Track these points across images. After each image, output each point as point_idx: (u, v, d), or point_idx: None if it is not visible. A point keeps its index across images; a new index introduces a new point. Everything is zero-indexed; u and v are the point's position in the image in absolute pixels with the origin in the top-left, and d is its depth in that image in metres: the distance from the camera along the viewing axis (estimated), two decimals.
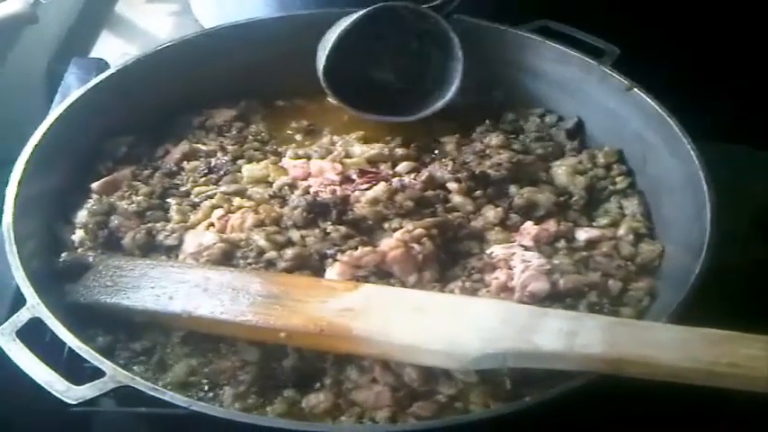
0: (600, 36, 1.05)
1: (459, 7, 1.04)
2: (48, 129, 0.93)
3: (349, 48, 1.03)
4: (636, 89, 0.99)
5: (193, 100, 1.08)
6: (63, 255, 0.88)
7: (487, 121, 1.08)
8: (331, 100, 1.05)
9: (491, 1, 1.05)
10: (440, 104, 1.05)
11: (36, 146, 0.91)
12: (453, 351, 0.70)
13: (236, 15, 1.13)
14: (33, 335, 0.76)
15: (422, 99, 1.07)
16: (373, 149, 1.02)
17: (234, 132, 1.06)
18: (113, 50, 1.31)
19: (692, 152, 0.91)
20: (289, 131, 1.09)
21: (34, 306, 0.76)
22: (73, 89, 1.07)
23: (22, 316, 0.75)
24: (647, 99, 0.98)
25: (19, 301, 0.79)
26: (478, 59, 1.10)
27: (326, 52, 1.01)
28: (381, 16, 1.03)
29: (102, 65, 1.14)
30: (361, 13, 1.01)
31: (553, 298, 0.85)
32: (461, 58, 1.04)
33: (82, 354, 0.73)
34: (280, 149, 1.04)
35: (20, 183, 0.87)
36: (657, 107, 0.96)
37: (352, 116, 1.08)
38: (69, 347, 0.74)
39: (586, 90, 1.04)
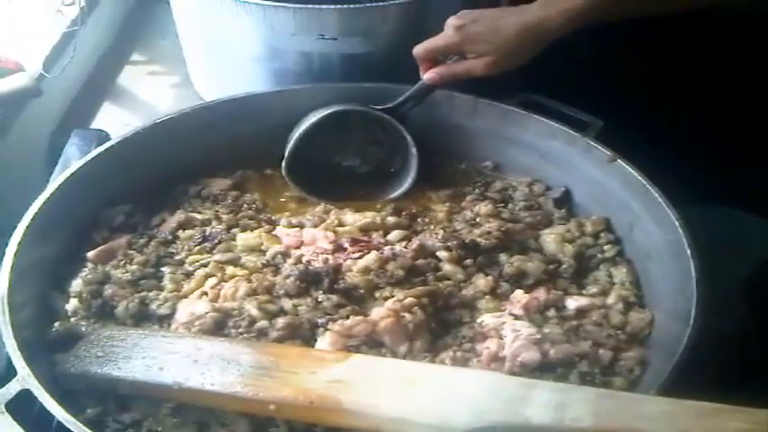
0: (583, 109, 1.07)
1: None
2: (46, 199, 0.93)
3: (315, 139, 1.08)
4: (619, 160, 1.00)
5: (190, 170, 1.09)
6: (56, 324, 0.87)
7: (477, 190, 1.09)
8: (302, 193, 1.09)
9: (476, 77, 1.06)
10: (397, 193, 1.09)
11: (34, 216, 0.91)
12: (443, 424, 0.68)
13: (233, 88, 1.14)
14: (23, 405, 0.74)
15: (387, 182, 1.11)
16: (365, 218, 1.02)
17: (229, 201, 1.06)
18: (115, 121, 1.32)
19: (675, 221, 0.91)
20: (282, 200, 1.09)
21: (24, 378, 0.74)
22: (73, 160, 1.07)
23: (12, 388, 0.73)
24: (630, 169, 0.98)
25: (10, 369, 0.77)
26: (467, 131, 1.12)
27: (287, 152, 1.07)
28: (341, 116, 1.08)
29: (102, 136, 1.15)
30: (318, 116, 1.07)
31: (544, 368, 0.83)
32: (416, 155, 1.08)
33: (70, 427, 0.71)
34: (274, 218, 1.04)
35: (16, 253, 0.86)
36: (640, 177, 0.97)
37: None
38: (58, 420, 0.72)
39: (572, 161, 1.05)
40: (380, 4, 1.10)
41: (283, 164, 1.07)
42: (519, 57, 1.00)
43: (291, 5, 1.09)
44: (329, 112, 1.07)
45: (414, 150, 1.08)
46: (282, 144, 1.10)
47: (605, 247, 1.00)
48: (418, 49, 1.05)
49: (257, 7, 1.10)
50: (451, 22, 1.02)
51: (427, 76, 1.05)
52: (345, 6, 1.09)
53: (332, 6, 1.09)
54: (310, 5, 1.09)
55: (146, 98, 1.40)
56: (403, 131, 1.08)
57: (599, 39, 1.01)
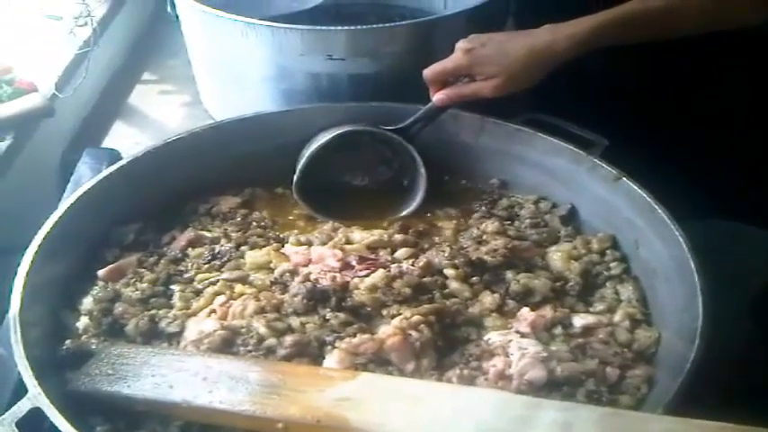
0: (588, 127, 1.07)
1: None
2: (58, 219, 0.94)
3: (325, 159, 1.08)
4: (624, 178, 1.00)
5: (200, 188, 1.10)
6: (66, 342, 0.87)
7: (484, 208, 1.09)
8: (312, 212, 1.09)
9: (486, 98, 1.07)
10: (405, 212, 1.09)
11: (46, 235, 0.92)
12: None
13: (242, 107, 1.16)
14: (33, 423, 0.74)
15: (395, 200, 1.11)
16: (373, 236, 1.03)
17: (238, 219, 1.07)
18: (126, 140, 1.33)
19: (680, 238, 0.91)
20: (291, 218, 1.09)
21: (35, 396, 0.74)
22: (85, 179, 1.08)
23: (23, 406, 0.74)
24: (635, 187, 0.98)
25: (21, 387, 0.78)
26: (474, 150, 1.13)
27: (297, 171, 1.08)
28: (350, 137, 1.09)
29: (114, 155, 1.16)
30: (329, 136, 1.08)
31: (551, 386, 0.83)
32: (424, 174, 1.09)
33: None
34: (282, 235, 1.05)
35: (28, 273, 0.87)
36: (645, 195, 0.97)
37: None
38: None
39: (578, 179, 1.06)
40: (388, 25, 1.11)
41: (293, 183, 1.08)
42: (526, 79, 1.01)
43: (300, 27, 1.10)
44: (340, 132, 1.08)
45: (422, 170, 1.09)
46: (290, 163, 1.11)
47: (611, 265, 1.00)
48: (428, 72, 1.06)
49: (266, 28, 1.11)
50: (461, 45, 1.03)
51: (437, 97, 1.06)
52: (353, 27, 1.10)
53: (340, 27, 1.10)
54: (318, 27, 1.10)
55: (156, 117, 1.41)
56: (413, 152, 1.09)
57: (604, 59, 1.01)
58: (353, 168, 1.14)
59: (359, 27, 1.10)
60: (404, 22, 1.14)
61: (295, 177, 1.08)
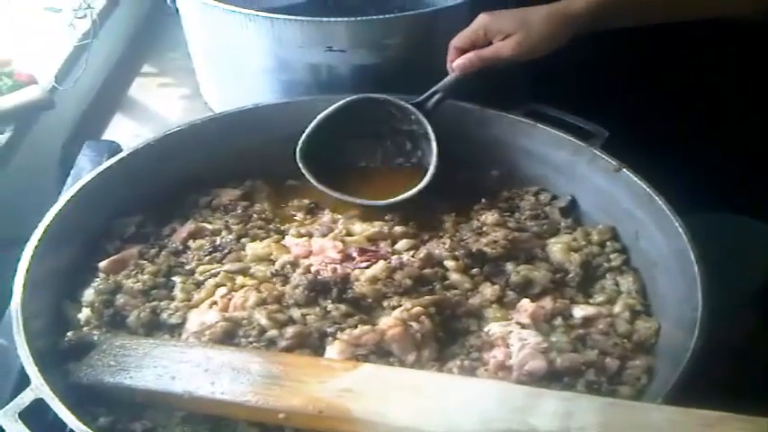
0: (589, 118, 1.07)
1: (450, 98, 1.07)
2: (59, 211, 0.94)
3: (333, 131, 1.06)
4: (624, 169, 1.00)
5: (200, 180, 1.10)
6: (68, 334, 0.88)
7: (484, 200, 1.09)
8: (312, 181, 1.06)
9: (483, 87, 1.07)
10: (409, 194, 1.06)
11: (47, 228, 0.92)
12: None
13: (242, 99, 1.16)
14: (36, 414, 0.75)
15: (401, 180, 1.09)
16: (373, 227, 1.03)
17: (239, 211, 1.07)
18: (126, 132, 1.33)
19: (680, 230, 0.92)
20: (292, 210, 1.09)
21: (38, 387, 0.75)
22: (85, 171, 1.08)
23: (26, 397, 0.75)
24: (635, 179, 0.99)
25: (24, 378, 0.78)
26: (474, 141, 1.12)
27: (304, 136, 1.05)
28: (363, 105, 1.07)
29: (114, 147, 1.16)
30: (343, 101, 1.06)
31: (551, 377, 0.83)
32: (436, 152, 1.06)
33: None
34: (283, 228, 1.05)
35: (29, 267, 0.87)
36: (645, 186, 0.97)
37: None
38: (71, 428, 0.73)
39: (578, 170, 1.06)
40: (388, 16, 1.11)
41: (298, 146, 1.06)
42: (545, 38, 1.00)
43: (299, 18, 1.10)
44: (353, 98, 1.06)
45: (434, 146, 1.05)
46: (291, 155, 1.10)
47: (611, 256, 1.00)
48: (451, 44, 1.06)
49: (265, 20, 1.11)
50: (479, 16, 1.05)
51: (456, 62, 1.05)
52: (353, 19, 1.10)
53: (340, 19, 1.10)
54: (318, 18, 1.10)
55: (156, 109, 1.41)
56: (426, 126, 1.06)
57: (605, 49, 1.02)
58: (361, 142, 1.11)
59: (359, 18, 1.10)
60: (404, 14, 1.13)
61: (300, 141, 1.05)
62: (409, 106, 1.07)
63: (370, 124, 1.09)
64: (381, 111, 1.08)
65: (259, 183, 1.12)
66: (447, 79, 1.07)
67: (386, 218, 1.06)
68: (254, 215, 1.06)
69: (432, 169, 1.05)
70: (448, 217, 1.07)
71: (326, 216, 1.07)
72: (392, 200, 1.05)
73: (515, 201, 1.10)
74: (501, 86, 1.20)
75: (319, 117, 1.06)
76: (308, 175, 1.05)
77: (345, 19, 1.10)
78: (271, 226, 1.05)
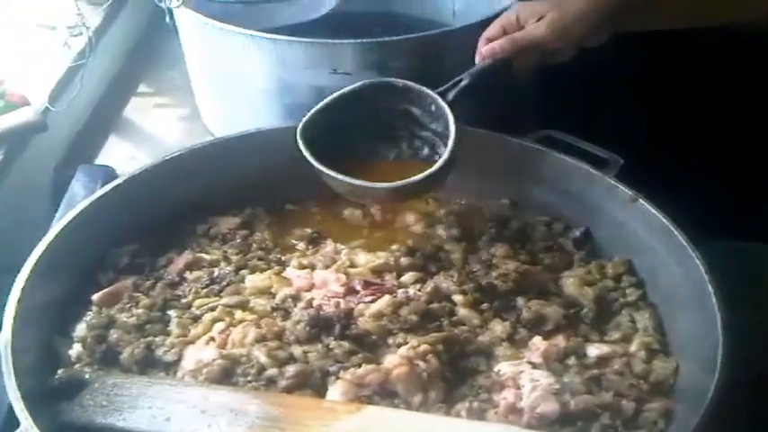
0: (603, 145, 1.08)
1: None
2: (51, 241, 0.94)
3: (340, 119, 1.04)
4: (641, 200, 1.01)
5: (198, 208, 1.10)
6: (59, 371, 0.88)
7: (493, 230, 1.09)
8: (314, 163, 1.01)
9: (493, 112, 1.07)
10: (423, 175, 0.99)
11: (38, 258, 0.92)
12: None
13: (243, 123, 1.17)
14: None
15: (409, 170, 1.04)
16: (378, 258, 1.03)
17: (238, 240, 1.07)
18: (121, 155, 1.34)
19: (698, 262, 0.92)
20: (293, 240, 1.10)
21: (27, 429, 0.75)
22: (78, 197, 1.09)
23: None
24: (653, 210, 0.99)
25: (12, 417, 0.78)
26: (483, 168, 1.13)
27: (308, 114, 1.03)
28: (378, 92, 1.05)
29: (108, 172, 1.17)
30: (356, 84, 1.04)
31: (564, 420, 0.83)
32: (453, 138, 1.00)
33: None
34: (284, 258, 1.05)
35: (20, 297, 0.87)
36: (663, 218, 0.98)
37: (354, 224, 1.12)
38: None
39: (592, 200, 1.06)
40: (395, 38, 1.12)
41: (299, 126, 1.02)
42: (579, 19, 1.00)
43: (304, 39, 1.11)
44: (369, 82, 1.05)
45: (453, 130, 1.00)
46: (292, 181, 1.11)
47: (627, 291, 1.01)
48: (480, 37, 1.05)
49: (268, 41, 1.12)
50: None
51: (486, 47, 1.04)
52: (359, 41, 1.11)
53: (345, 41, 1.11)
54: (322, 40, 1.11)
55: (153, 131, 1.42)
56: (447, 114, 1.01)
57: (619, 74, 1.03)
58: (370, 134, 1.08)
59: (365, 40, 1.11)
60: (412, 35, 1.14)
61: (303, 120, 1.02)
62: (431, 92, 1.04)
63: (385, 114, 1.07)
64: (398, 101, 1.06)
65: (259, 210, 1.13)
66: (474, 67, 1.05)
67: (392, 248, 1.07)
68: (254, 245, 1.07)
69: (448, 152, 1.00)
70: (456, 248, 1.07)
71: (329, 246, 1.07)
72: (401, 182, 0.98)
73: (526, 231, 1.10)
74: (512, 111, 1.22)
75: (328, 99, 1.04)
76: (306, 154, 1.00)
77: (351, 41, 1.11)
78: (271, 256, 1.05)
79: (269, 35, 1.12)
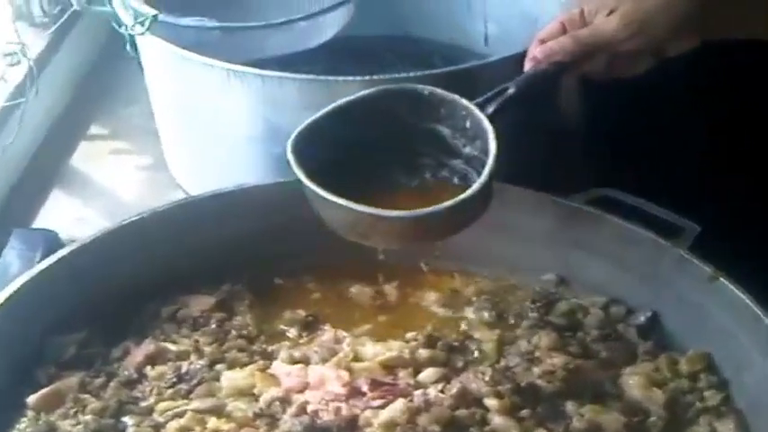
0: (674, 209, 1.09)
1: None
2: None
3: (345, 133, 1.03)
4: (722, 279, 1.01)
5: (164, 284, 1.12)
6: None
7: (536, 313, 1.10)
8: (307, 183, 0.97)
9: (539, 167, 1.09)
10: (449, 204, 0.95)
11: None
12: None
13: (222, 176, 1.20)
14: None
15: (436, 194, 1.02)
16: (390, 350, 1.04)
17: (213, 326, 1.08)
18: (66, 216, 1.35)
19: None
20: (282, 325, 1.11)
21: None
22: (12, 270, 1.10)
23: None
24: (738, 292, 1.00)
25: None
26: (523, 235, 1.15)
27: (305, 124, 1.01)
28: (398, 99, 1.05)
29: (51, 238, 1.18)
30: (369, 91, 1.04)
31: None
32: (494, 154, 0.97)
33: None
34: (270, 349, 1.06)
35: None
36: (750, 302, 0.98)
37: (362, 304, 1.13)
38: None
39: (661, 277, 1.07)
40: (411, 74, 1.13)
41: (291, 138, 0.99)
42: (662, 10, 0.99)
43: (298, 76, 1.14)
44: (389, 87, 1.05)
45: (493, 147, 0.97)
46: (282, 251, 1.13)
47: (706, 393, 1.01)
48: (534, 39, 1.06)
49: (254, 76, 1.15)
50: None
51: (540, 48, 1.04)
52: (368, 78, 1.13)
53: (351, 78, 1.13)
54: (323, 76, 1.14)
55: (107, 186, 1.44)
56: (488, 132, 0.98)
57: (693, 119, 1.04)
58: (384, 153, 1.06)
59: (375, 77, 1.13)
60: (435, 71, 1.17)
61: (297, 130, 1.00)
62: (466, 102, 1.02)
63: (404, 133, 1.06)
64: (422, 117, 1.05)
65: (240, 288, 1.14)
66: (524, 74, 1.05)
67: (406, 336, 1.07)
68: (233, 332, 1.08)
69: (485, 175, 0.96)
70: (488, 336, 1.08)
71: (328, 333, 1.08)
72: (425, 210, 0.94)
73: (578, 316, 1.11)
74: (559, 164, 1.23)
75: (331, 106, 1.03)
76: (296, 170, 0.97)
77: (359, 78, 1.13)
78: (254, 347, 1.06)
79: (255, 69, 1.15)
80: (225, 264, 1.14)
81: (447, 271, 1.18)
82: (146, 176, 1.44)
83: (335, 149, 1.03)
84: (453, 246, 1.09)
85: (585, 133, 1.27)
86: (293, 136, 1.00)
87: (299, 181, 0.98)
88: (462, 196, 0.94)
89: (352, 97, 1.04)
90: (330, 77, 1.14)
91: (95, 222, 1.22)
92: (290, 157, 0.98)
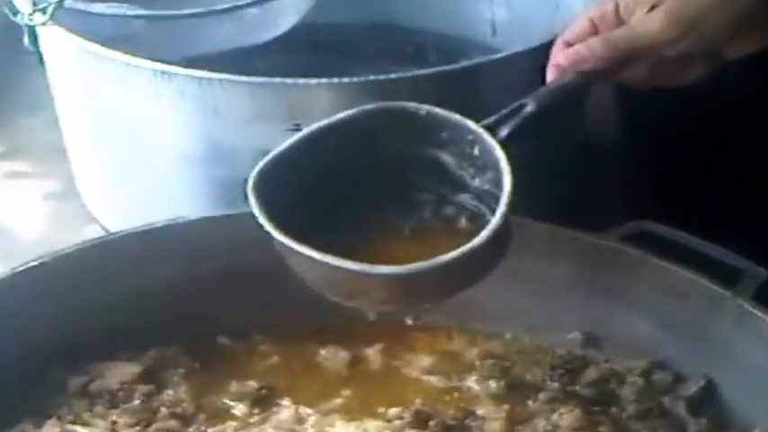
0: (732, 247, 1.12)
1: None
2: None
3: (325, 165, 1.05)
4: None
5: (72, 348, 1.14)
6: None
7: (557, 382, 1.14)
8: (274, 233, 0.98)
9: (561, 197, 1.12)
10: (453, 256, 0.95)
11: None
12: None
13: (150, 206, 1.24)
14: None
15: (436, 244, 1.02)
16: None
17: (136, 403, 1.10)
18: None
19: None
20: (227, 399, 1.13)
21: None
22: None
23: None
24: None
25: None
26: (542, 281, 1.18)
27: (273, 152, 1.03)
28: (387, 121, 1.06)
29: None
30: (354, 111, 1.05)
31: None
32: (508, 193, 0.98)
33: None
34: (211, 431, 1.08)
35: None
36: None
37: (332, 371, 1.16)
38: None
39: (716, 334, 1.10)
40: (393, 76, 1.17)
41: (252, 174, 1.00)
42: (717, 10, 1.02)
43: (246, 78, 1.17)
44: (375, 106, 1.05)
45: (508, 182, 0.98)
46: (228, 301, 1.17)
47: None
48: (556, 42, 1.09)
49: (190, 80, 1.18)
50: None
51: (565, 53, 1.07)
52: (338, 80, 1.16)
53: (315, 81, 1.16)
54: (279, 78, 1.16)
55: (0, 218, 1.46)
56: (501, 161, 0.99)
57: (755, 137, 1.07)
58: (369, 189, 1.07)
59: (346, 80, 1.16)
60: (432, 70, 1.20)
61: (262, 162, 1.02)
62: (473, 125, 1.03)
63: (396, 163, 1.08)
64: (419, 142, 1.07)
65: (172, 352, 1.17)
66: (545, 87, 1.08)
67: (389, 414, 1.10)
68: (163, 409, 1.10)
69: (499, 217, 0.97)
70: (495, 412, 1.10)
71: (287, 410, 1.11)
72: (423, 264, 0.94)
73: (611, 385, 1.14)
74: (587, 193, 1.27)
75: (303, 132, 1.05)
76: (260, 217, 0.98)
77: (326, 81, 1.16)
78: (191, 429, 1.08)
79: (190, 70, 1.18)
80: (152, 320, 1.16)
81: (443, 328, 1.21)
82: (51, 207, 1.47)
83: (308, 186, 1.04)
84: None
85: (620, 155, 1.30)
86: (254, 172, 1.01)
87: (253, 215, 0.98)
88: (472, 244, 0.95)
89: (326, 121, 1.05)
90: (289, 80, 1.16)
91: None
92: (251, 197, 0.99)
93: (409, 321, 1.24)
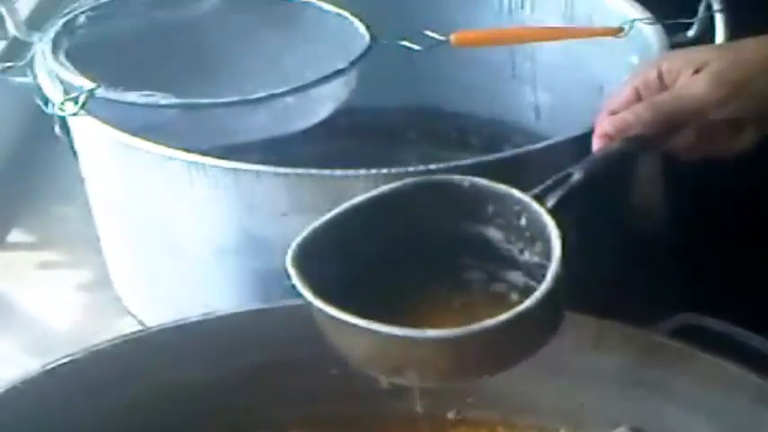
0: None
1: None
2: None
3: (367, 242, 1.06)
4: None
5: None
6: None
7: None
8: (315, 302, 0.97)
9: (606, 283, 1.11)
10: (507, 317, 0.94)
11: None
12: None
13: (184, 300, 1.25)
14: None
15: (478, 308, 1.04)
16: None
17: None
18: None
19: None
20: None
21: None
22: None
23: None
24: None
25: None
26: (586, 376, 1.17)
27: (313, 226, 1.03)
28: (431, 196, 1.07)
29: None
30: (396, 185, 1.06)
31: None
32: (558, 257, 0.98)
33: None
34: None
35: None
36: None
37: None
38: None
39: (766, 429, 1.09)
40: (433, 166, 1.16)
41: (294, 244, 1.01)
42: (763, 74, 1.02)
43: (283, 170, 1.17)
44: (418, 180, 1.07)
45: (557, 248, 0.98)
46: (263, 397, 1.16)
47: None
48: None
49: (225, 171, 1.18)
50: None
51: (611, 120, 1.06)
52: (378, 171, 1.15)
53: (355, 172, 1.16)
54: (316, 170, 1.17)
55: (31, 312, 1.46)
56: (551, 229, 0.99)
57: None
58: (413, 267, 1.07)
59: (386, 171, 1.16)
60: (479, 159, 1.20)
61: (302, 235, 1.02)
62: (520, 195, 1.03)
63: (441, 239, 1.08)
64: (465, 218, 1.07)
65: None
66: (591, 156, 1.08)
67: None
68: None
69: (550, 279, 0.96)
70: None
71: None
72: (472, 327, 0.93)
73: None
74: (634, 279, 1.27)
75: (343, 206, 1.05)
76: (301, 288, 0.97)
77: (365, 172, 1.16)
78: None
79: (225, 161, 1.18)
80: (189, 415, 1.16)
81: (486, 422, 1.21)
82: (84, 298, 1.47)
83: (350, 262, 1.04)
84: (493, 389, 1.12)
85: (670, 233, 1.30)
86: (293, 246, 1.00)
87: (294, 306, 1.00)
88: (526, 304, 0.94)
89: (369, 195, 1.06)
90: (326, 171, 1.17)
91: (17, 364, 1.24)
92: (291, 268, 0.99)
93: (450, 415, 1.22)
